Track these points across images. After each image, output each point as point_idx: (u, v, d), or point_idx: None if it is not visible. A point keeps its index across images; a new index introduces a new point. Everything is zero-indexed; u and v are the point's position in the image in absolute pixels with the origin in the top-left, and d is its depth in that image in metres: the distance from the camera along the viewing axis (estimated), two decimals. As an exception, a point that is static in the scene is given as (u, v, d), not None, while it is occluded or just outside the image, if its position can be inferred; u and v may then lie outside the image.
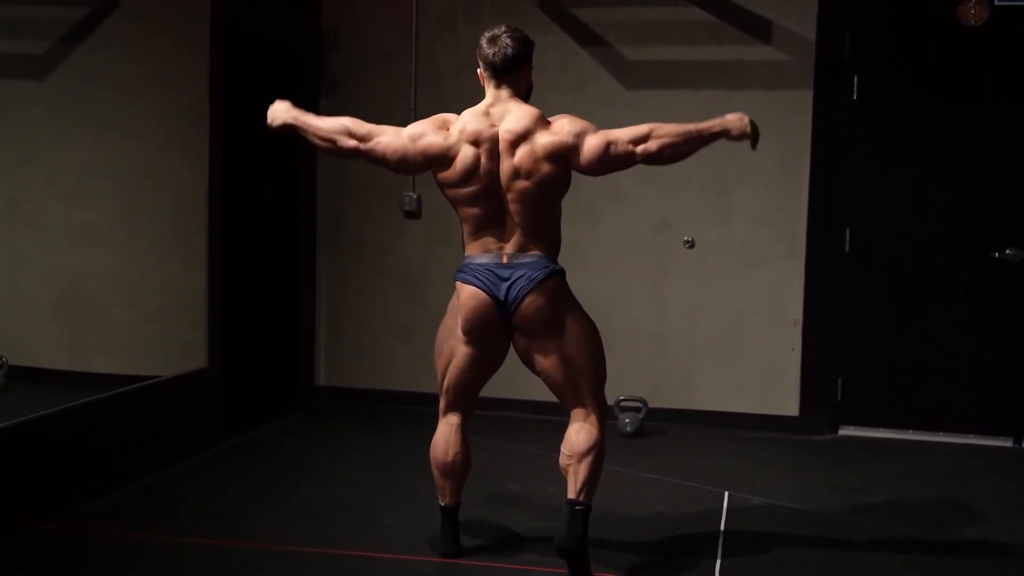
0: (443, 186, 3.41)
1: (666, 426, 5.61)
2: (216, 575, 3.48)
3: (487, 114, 3.36)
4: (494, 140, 3.32)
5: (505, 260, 3.36)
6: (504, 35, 3.36)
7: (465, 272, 3.39)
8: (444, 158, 3.35)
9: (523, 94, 3.42)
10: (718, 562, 3.64)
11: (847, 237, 5.52)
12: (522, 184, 3.31)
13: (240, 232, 5.65)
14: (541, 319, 3.34)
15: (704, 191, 5.61)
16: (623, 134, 3.32)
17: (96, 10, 4.45)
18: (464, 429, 3.61)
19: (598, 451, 3.40)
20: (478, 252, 3.40)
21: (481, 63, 3.40)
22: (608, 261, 5.70)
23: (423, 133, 3.37)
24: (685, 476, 4.70)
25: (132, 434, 4.44)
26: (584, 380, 3.41)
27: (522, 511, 4.16)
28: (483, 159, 3.32)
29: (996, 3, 5.25)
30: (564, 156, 3.32)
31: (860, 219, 5.51)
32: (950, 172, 5.43)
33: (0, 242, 4.07)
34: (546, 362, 3.41)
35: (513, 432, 5.41)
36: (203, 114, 4.88)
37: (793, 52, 5.47)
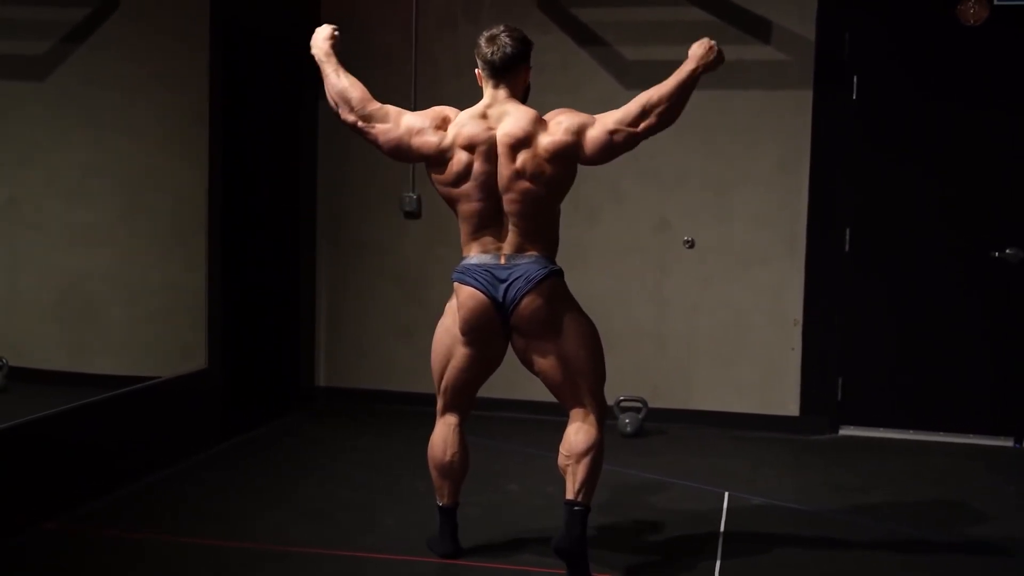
0: (436, 184, 3.42)
1: (666, 426, 5.61)
2: (216, 575, 3.48)
3: (484, 116, 3.35)
4: (491, 142, 3.31)
5: (503, 261, 3.36)
6: (503, 34, 3.36)
7: (463, 273, 3.38)
8: (437, 159, 3.36)
9: (521, 94, 3.42)
10: (718, 563, 3.64)
11: (847, 237, 5.52)
12: (525, 185, 3.30)
13: (240, 232, 5.66)
14: (539, 320, 3.34)
15: (704, 191, 5.61)
16: (621, 117, 3.30)
17: (96, 11, 4.45)
18: (462, 429, 3.61)
19: (597, 451, 3.40)
20: (476, 253, 3.39)
21: (479, 62, 3.40)
22: (608, 261, 5.70)
23: (421, 129, 3.37)
24: (685, 476, 4.70)
25: (132, 434, 4.44)
26: (583, 380, 3.41)
27: (521, 511, 4.16)
28: (477, 163, 3.31)
29: (995, 3, 5.25)
30: (568, 155, 3.33)
31: (860, 219, 5.51)
32: (950, 172, 5.43)
33: (0, 242, 4.08)
34: (545, 362, 3.41)
35: (511, 432, 5.41)
36: (203, 114, 4.88)
37: (793, 52, 5.47)
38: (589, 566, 3.38)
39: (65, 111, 4.31)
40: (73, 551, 3.64)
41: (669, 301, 5.69)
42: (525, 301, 3.32)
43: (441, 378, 3.54)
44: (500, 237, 3.37)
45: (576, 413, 3.45)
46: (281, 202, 5.91)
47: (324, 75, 3.47)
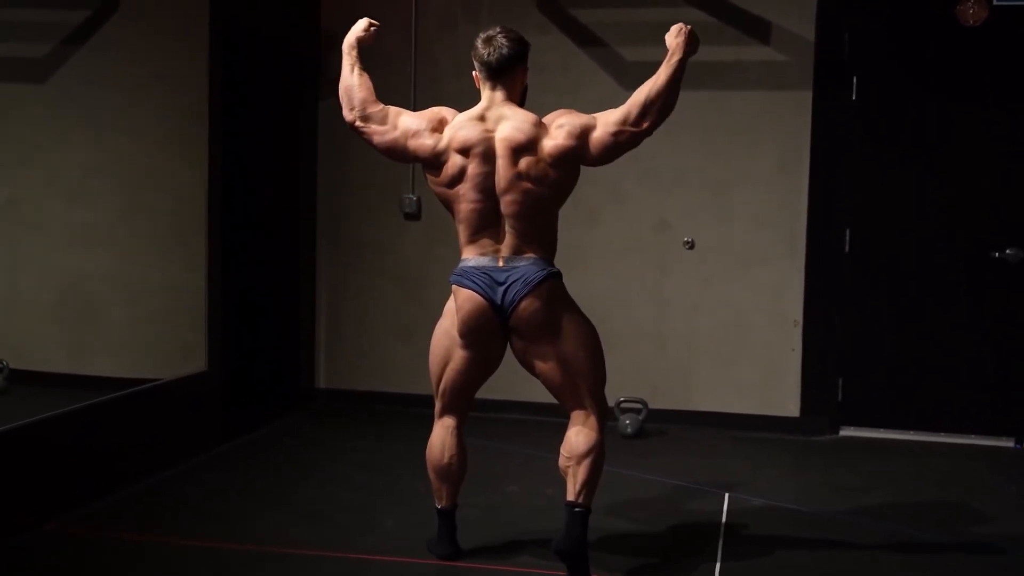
0: (432, 185, 3.42)
1: (666, 427, 5.61)
2: (216, 576, 3.49)
3: (482, 118, 3.35)
4: (488, 145, 3.30)
5: (501, 263, 3.35)
6: (499, 35, 3.35)
7: (461, 275, 3.37)
8: (432, 161, 3.36)
9: (518, 96, 3.41)
10: (718, 564, 3.63)
11: (847, 237, 5.52)
12: (528, 187, 3.29)
13: (240, 232, 5.66)
14: (538, 322, 3.34)
15: (704, 191, 5.61)
16: (623, 116, 3.31)
17: (96, 12, 4.45)
18: (460, 432, 3.60)
19: (597, 453, 3.40)
20: (474, 255, 3.38)
21: (476, 64, 3.39)
22: (608, 261, 5.70)
23: (417, 131, 3.37)
24: (685, 477, 4.70)
25: (132, 436, 4.44)
26: (583, 382, 3.41)
27: (520, 513, 4.16)
28: (472, 166, 3.30)
29: (995, 3, 5.25)
30: (572, 158, 3.33)
31: (860, 219, 5.51)
32: (950, 172, 5.42)
33: (0, 242, 4.07)
34: (544, 364, 3.40)
35: (511, 433, 5.41)
36: (203, 114, 4.88)
37: (792, 52, 5.47)
38: (589, 568, 3.38)
39: (65, 111, 4.31)
40: (73, 552, 3.64)
41: (669, 301, 5.68)
42: (524, 303, 3.31)
43: (439, 380, 3.53)
44: (498, 239, 3.36)
45: (577, 415, 3.45)
46: (281, 202, 5.91)
47: (342, 67, 3.50)
